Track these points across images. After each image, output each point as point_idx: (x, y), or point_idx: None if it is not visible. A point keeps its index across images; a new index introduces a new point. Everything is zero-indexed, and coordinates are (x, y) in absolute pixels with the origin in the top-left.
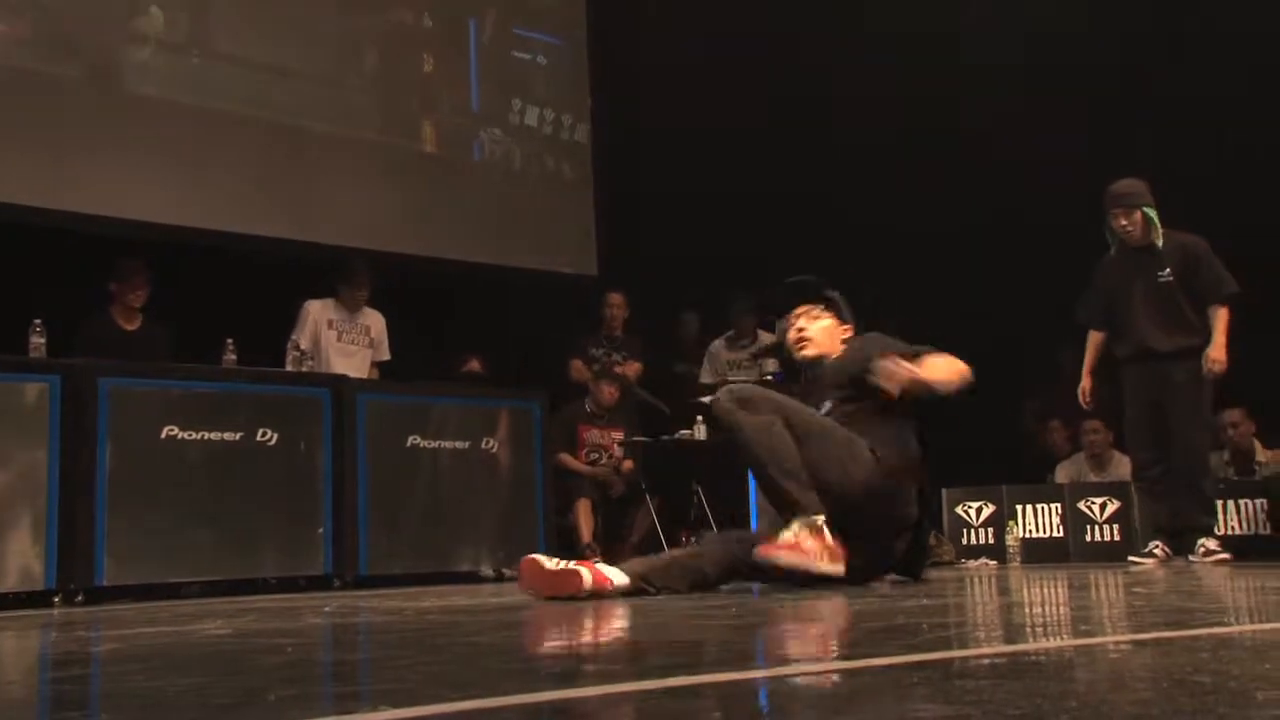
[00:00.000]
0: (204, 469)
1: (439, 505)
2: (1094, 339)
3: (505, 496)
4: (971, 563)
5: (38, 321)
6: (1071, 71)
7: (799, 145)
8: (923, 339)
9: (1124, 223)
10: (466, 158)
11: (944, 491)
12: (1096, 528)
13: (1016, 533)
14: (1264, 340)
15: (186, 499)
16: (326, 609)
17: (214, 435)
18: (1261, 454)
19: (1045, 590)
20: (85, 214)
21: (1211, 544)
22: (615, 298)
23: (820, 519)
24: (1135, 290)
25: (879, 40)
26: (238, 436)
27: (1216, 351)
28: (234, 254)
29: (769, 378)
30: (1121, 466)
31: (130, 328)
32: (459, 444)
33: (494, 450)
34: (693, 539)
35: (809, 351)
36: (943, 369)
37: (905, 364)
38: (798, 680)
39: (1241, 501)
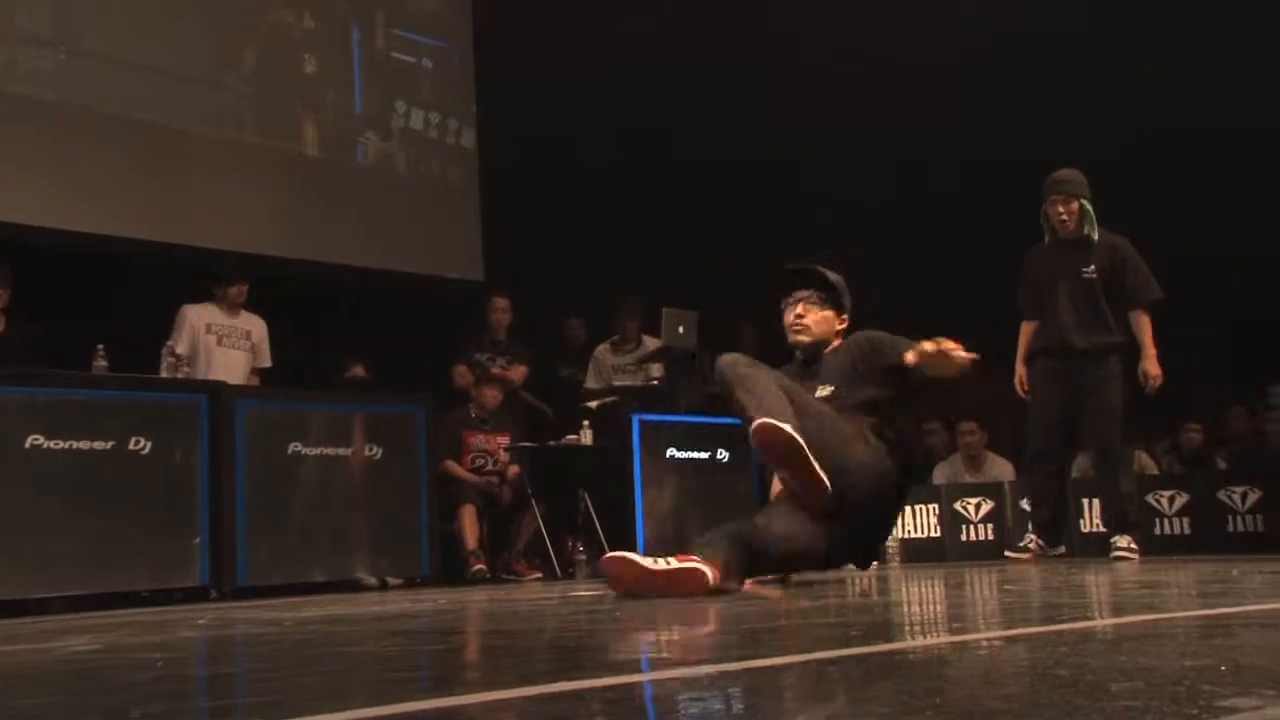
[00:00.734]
0: (72, 479)
1: (321, 513)
2: (1026, 329)
3: (389, 504)
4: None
5: None
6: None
7: (685, 148)
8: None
9: (1061, 210)
10: (349, 161)
11: None
12: (972, 527)
13: (895, 534)
14: None
15: (52, 511)
16: (201, 621)
17: (83, 444)
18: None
19: (922, 589)
20: None
21: (1123, 542)
22: (500, 302)
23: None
24: (1060, 283)
25: (767, 40)
26: (109, 445)
27: (1151, 365)
28: (106, 257)
29: (654, 383)
30: (995, 467)
31: None
32: (341, 451)
33: (377, 457)
34: (578, 546)
35: (803, 338)
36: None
37: (955, 347)
38: (673, 683)
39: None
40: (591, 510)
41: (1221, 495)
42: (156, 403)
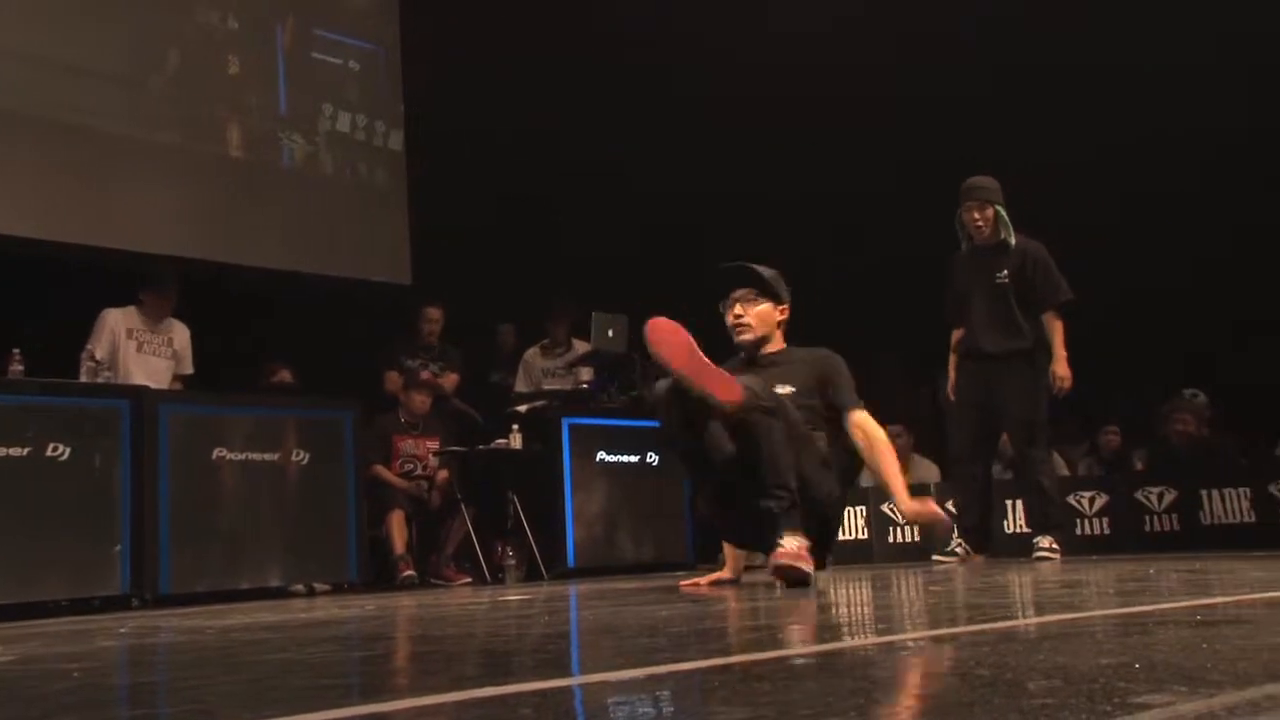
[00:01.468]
0: None
1: (246, 519)
2: (956, 335)
3: (316, 509)
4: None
5: None
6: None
7: (616, 149)
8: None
9: (976, 216)
10: (275, 163)
11: None
12: (898, 529)
13: None
14: None
15: None
16: (122, 630)
17: None
18: None
19: (850, 591)
20: None
21: (1045, 542)
22: (433, 313)
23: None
24: (975, 289)
25: (702, 39)
26: (25, 452)
27: (1061, 367)
28: (24, 259)
29: (584, 386)
30: (921, 469)
31: None
32: (267, 456)
33: (304, 462)
34: (508, 550)
35: (747, 336)
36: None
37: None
38: (601, 686)
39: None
40: (521, 514)
41: (1139, 496)
42: (76, 408)
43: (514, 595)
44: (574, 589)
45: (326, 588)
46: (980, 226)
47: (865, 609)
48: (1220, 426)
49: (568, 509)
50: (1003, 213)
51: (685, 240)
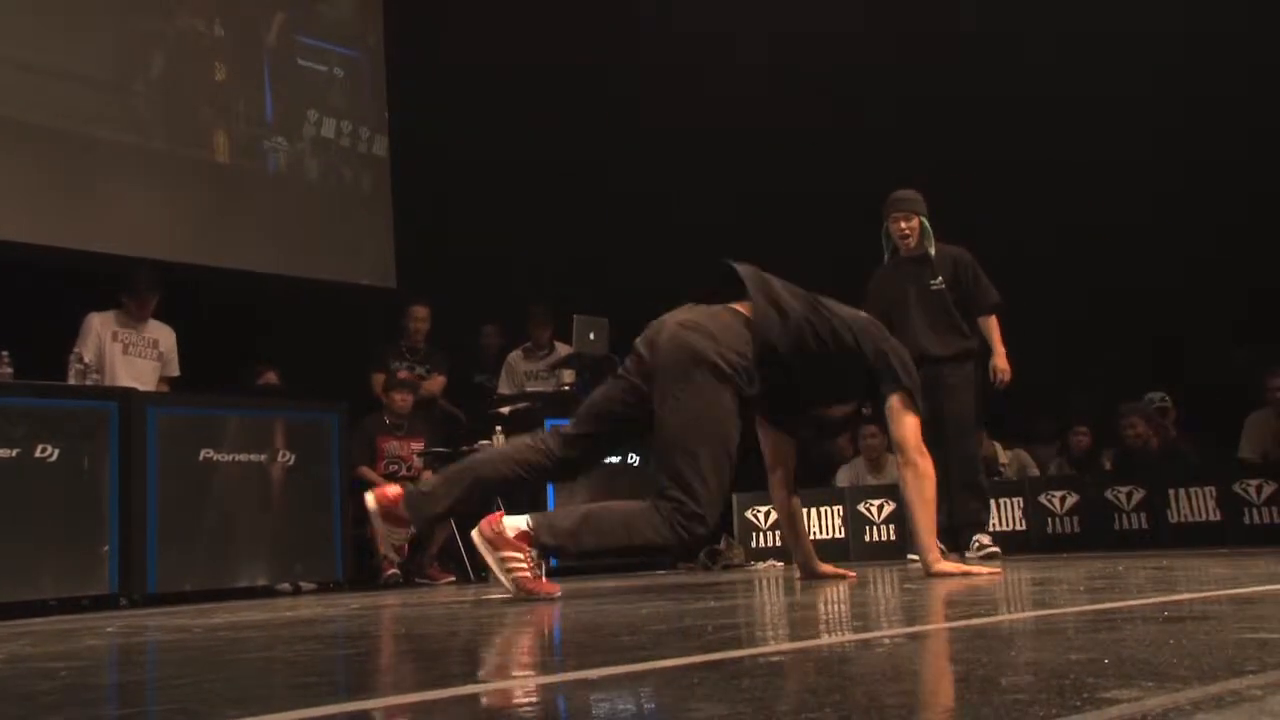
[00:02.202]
0: None
1: (233, 519)
2: None
3: (302, 509)
4: (760, 565)
5: None
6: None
7: (598, 154)
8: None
9: (903, 226)
10: (261, 168)
11: (734, 497)
12: (874, 528)
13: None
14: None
15: None
16: (109, 629)
17: None
18: (1003, 455)
19: (826, 589)
20: None
21: (985, 539)
22: (419, 310)
23: None
24: (910, 297)
25: (671, 42)
26: (14, 453)
27: (1001, 361)
28: (11, 263)
29: (566, 387)
30: (896, 469)
31: None
32: (254, 457)
33: (290, 463)
34: None
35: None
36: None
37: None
38: (582, 684)
39: (1002, 500)
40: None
41: (1109, 495)
42: (65, 410)
43: (497, 594)
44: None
45: (312, 587)
46: (907, 237)
47: (842, 607)
48: (1184, 427)
49: (550, 508)
50: (926, 224)
51: (667, 242)
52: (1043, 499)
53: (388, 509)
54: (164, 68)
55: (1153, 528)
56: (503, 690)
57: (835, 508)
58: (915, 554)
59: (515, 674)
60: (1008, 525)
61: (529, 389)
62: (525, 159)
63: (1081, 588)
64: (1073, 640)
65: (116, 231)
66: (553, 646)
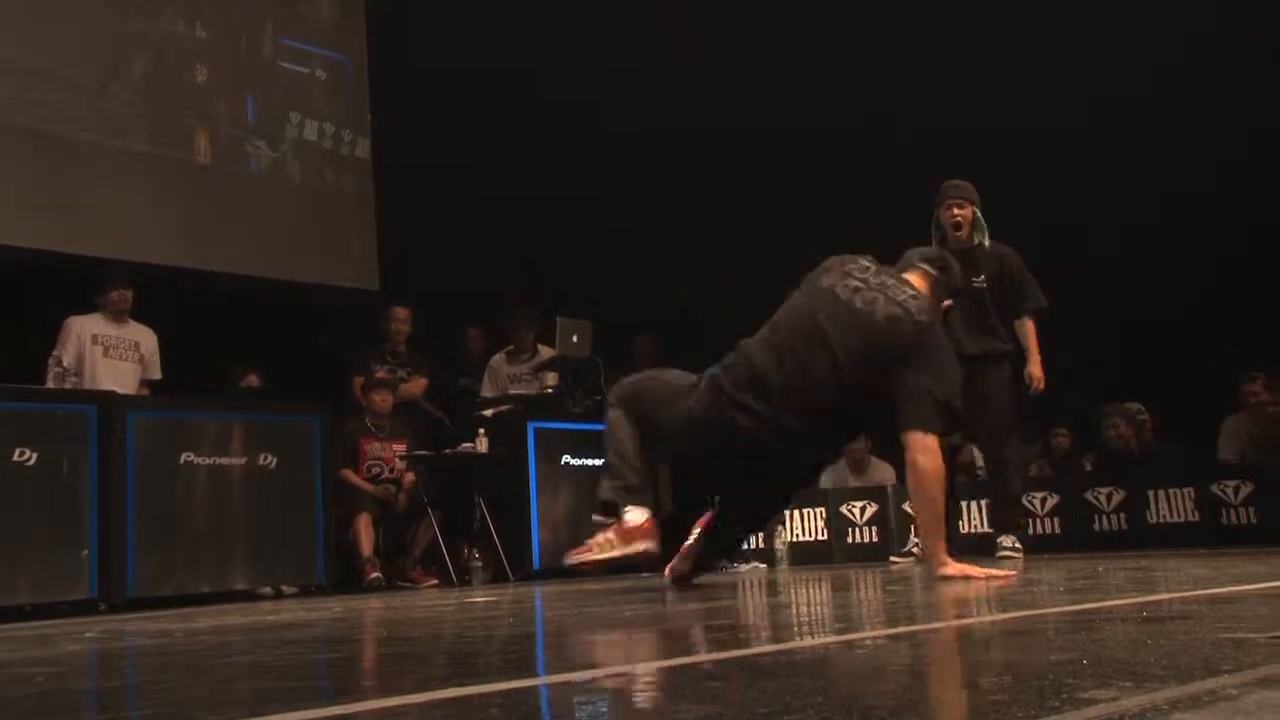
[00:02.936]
0: None
1: (214, 523)
2: None
3: (284, 513)
4: (743, 566)
5: None
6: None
7: (581, 157)
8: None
9: (956, 213)
10: (243, 170)
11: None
12: (857, 530)
13: (784, 536)
14: None
15: None
16: (88, 634)
17: None
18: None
19: (809, 591)
20: None
21: (1007, 541)
22: (400, 312)
23: None
24: None
25: (654, 46)
26: None
27: (1036, 368)
28: None
29: (549, 391)
30: (879, 471)
31: None
32: (235, 460)
33: (272, 466)
34: (474, 553)
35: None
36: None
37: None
38: (564, 687)
39: (981, 502)
40: (487, 517)
41: (1089, 496)
42: (43, 413)
43: (480, 597)
44: (539, 590)
45: (294, 590)
46: (959, 225)
47: (824, 609)
48: (1162, 430)
49: (533, 512)
50: (980, 216)
51: (651, 245)
52: (1024, 500)
53: None
54: (145, 69)
55: (1132, 528)
56: (486, 693)
57: (818, 510)
58: (897, 556)
59: (499, 677)
60: (989, 526)
61: (512, 392)
62: (508, 162)
63: (1061, 588)
64: (1052, 641)
65: (98, 234)
66: (535, 649)
